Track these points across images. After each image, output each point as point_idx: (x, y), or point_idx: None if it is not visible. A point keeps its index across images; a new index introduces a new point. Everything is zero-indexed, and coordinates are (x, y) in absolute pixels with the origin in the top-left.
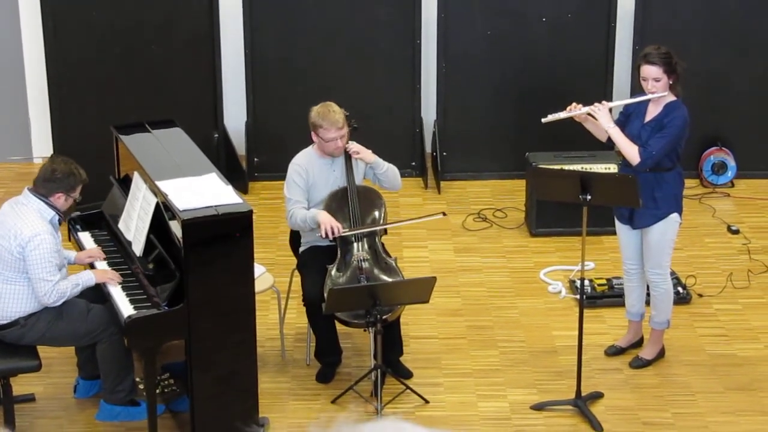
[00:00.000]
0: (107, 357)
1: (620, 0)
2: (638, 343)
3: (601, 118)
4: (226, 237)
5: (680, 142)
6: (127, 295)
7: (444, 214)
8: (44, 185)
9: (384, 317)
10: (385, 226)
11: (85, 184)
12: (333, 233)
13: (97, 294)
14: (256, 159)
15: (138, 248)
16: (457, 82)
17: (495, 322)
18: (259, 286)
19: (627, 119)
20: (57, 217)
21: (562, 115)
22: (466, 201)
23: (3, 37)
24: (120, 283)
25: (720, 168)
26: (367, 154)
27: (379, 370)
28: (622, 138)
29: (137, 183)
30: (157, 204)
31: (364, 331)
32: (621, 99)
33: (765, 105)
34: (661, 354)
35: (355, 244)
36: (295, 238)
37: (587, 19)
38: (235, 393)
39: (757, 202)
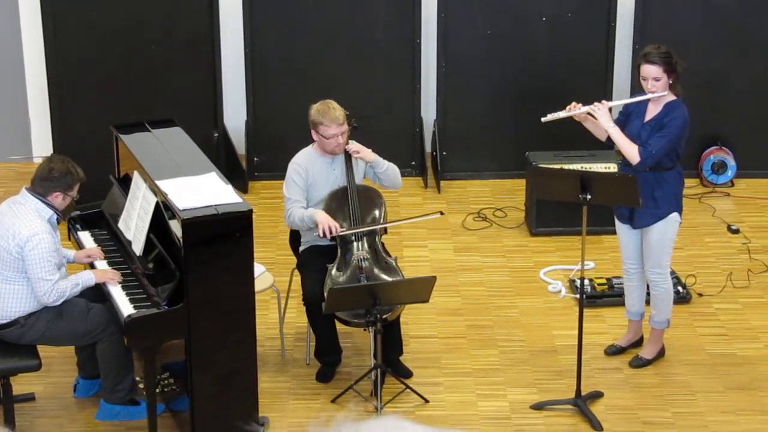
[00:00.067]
0: (107, 356)
1: None
2: (638, 343)
3: (600, 118)
4: (226, 236)
5: (680, 142)
6: (127, 295)
7: (441, 213)
8: (42, 184)
9: (384, 317)
10: (381, 226)
11: (82, 183)
12: (330, 232)
13: (97, 293)
14: (256, 158)
15: (138, 248)
16: (457, 82)
17: (495, 322)
18: (259, 285)
19: (627, 119)
20: (55, 216)
21: (561, 114)
22: (466, 200)
23: (3, 37)
24: (120, 283)
25: (720, 167)
26: (367, 153)
27: (378, 370)
28: (622, 137)
29: (137, 182)
30: (157, 203)
31: (364, 330)
32: (621, 98)
33: (765, 104)
34: (661, 353)
35: (355, 244)
36: (295, 237)
37: (587, 18)
38: (234, 392)
39: (757, 202)
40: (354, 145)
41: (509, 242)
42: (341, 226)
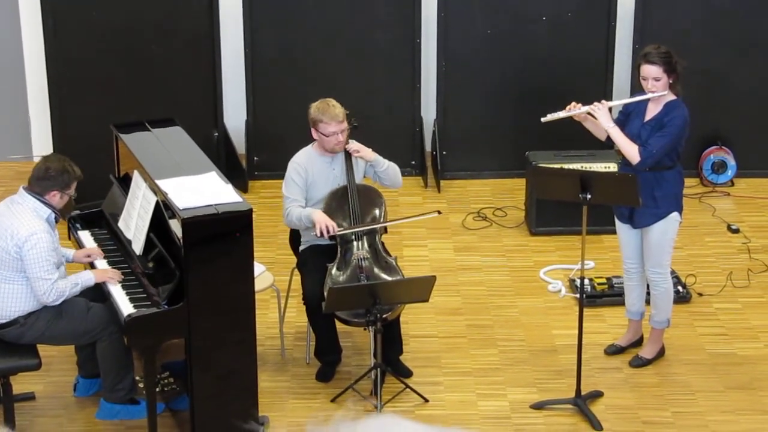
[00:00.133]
0: (107, 355)
1: None
2: (638, 342)
3: (600, 118)
4: (226, 236)
5: (680, 141)
6: (127, 294)
7: (439, 212)
8: (39, 184)
9: (384, 316)
10: (377, 225)
11: (79, 181)
12: (328, 232)
13: (97, 293)
14: (256, 158)
15: (138, 247)
16: (457, 81)
17: (495, 321)
18: (258, 284)
19: (627, 118)
20: (53, 215)
21: (561, 114)
22: (466, 200)
23: (3, 36)
24: (120, 282)
25: (720, 167)
26: (368, 152)
27: (378, 369)
28: (622, 137)
29: (137, 182)
30: (157, 203)
31: (364, 329)
32: (621, 98)
33: (765, 104)
34: (661, 353)
35: (355, 243)
36: (295, 237)
37: (587, 18)
38: (234, 392)
39: (757, 201)
40: (354, 145)
41: (509, 242)
42: (340, 226)
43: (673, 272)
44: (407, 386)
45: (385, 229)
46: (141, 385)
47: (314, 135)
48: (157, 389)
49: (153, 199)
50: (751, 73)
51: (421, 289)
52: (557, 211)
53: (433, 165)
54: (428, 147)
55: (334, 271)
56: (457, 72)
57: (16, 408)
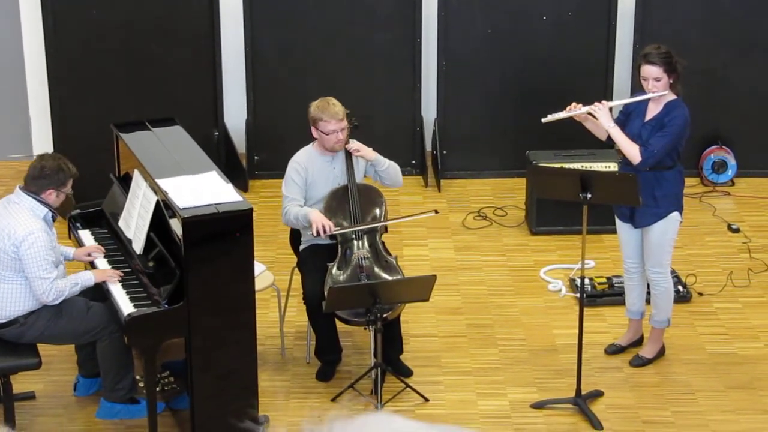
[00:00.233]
0: (107, 355)
1: None
2: (638, 342)
3: (601, 118)
4: (226, 235)
5: (681, 141)
6: (127, 293)
7: (436, 212)
8: (34, 183)
9: (384, 315)
10: (375, 225)
11: (75, 179)
12: (324, 231)
13: (97, 292)
14: (256, 157)
15: (138, 246)
16: (458, 81)
17: (495, 321)
18: (259, 284)
19: (627, 118)
20: (50, 214)
21: (561, 114)
22: (467, 199)
23: (3, 36)
24: (120, 281)
25: (720, 166)
26: (368, 152)
27: (379, 369)
28: (623, 137)
29: (137, 181)
30: (158, 202)
31: (365, 329)
32: (621, 98)
33: (765, 104)
34: (661, 352)
35: (355, 243)
36: (295, 236)
37: (587, 17)
38: (234, 391)
39: (758, 201)
40: (354, 144)
41: (509, 241)
42: (341, 225)
43: (673, 272)
44: (407, 386)
45: (386, 229)
46: (141, 384)
47: (314, 134)
48: (158, 388)
49: (153, 199)
50: (751, 73)
51: (421, 288)
52: (557, 210)
53: (433, 164)
54: (428, 146)
55: (334, 270)
56: (458, 71)
57: (17, 407)
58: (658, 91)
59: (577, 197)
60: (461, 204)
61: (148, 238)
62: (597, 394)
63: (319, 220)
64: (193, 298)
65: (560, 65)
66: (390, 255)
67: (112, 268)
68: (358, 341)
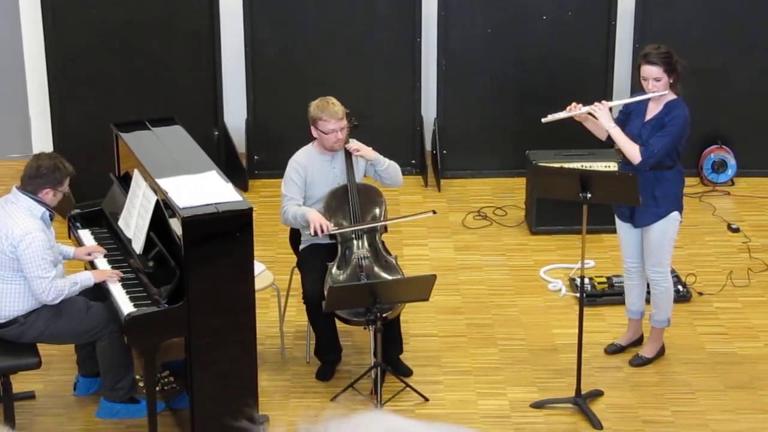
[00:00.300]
0: (107, 354)
1: None
2: (638, 342)
3: (601, 118)
4: (226, 235)
5: (681, 141)
6: (127, 293)
7: (434, 212)
8: (31, 182)
9: (384, 315)
10: (373, 225)
11: (72, 177)
12: (322, 231)
13: (97, 292)
14: (256, 156)
15: (138, 246)
16: (457, 80)
17: (495, 320)
18: (259, 283)
19: (627, 118)
20: (48, 213)
21: (562, 115)
22: (467, 199)
23: (3, 35)
24: (120, 281)
25: (720, 166)
26: (368, 151)
27: (378, 368)
28: (623, 137)
29: (137, 180)
30: (157, 201)
31: (364, 329)
32: (621, 98)
33: (765, 103)
34: (661, 352)
35: (355, 242)
36: (295, 235)
37: (587, 17)
38: (234, 390)
39: (757, 201)
40: (354, 144)
41: (509, 241)
42: (340, 225)
43: (673, 271)
44: (407, 385)
45: (385, 228)
46: (141, 384)
47: (314, 133)
48: (157, 388)
49: (153, 198)
50: (751, 73)
51: (421, 288)
52: (557, 210)
53: (433, 164)
54: (428, 146)
55: (334, 270)
56: (458, 71)
57: (16, 407)
58: (658, 91)
59: (577, 197)
60: (461, 203)
61: (148, 238)
62: (597, 394)
63: (316, 219)
64: (193, 297)
65: (560, 65)
66: (390, 254)
67: (112, 267)
68: (357, 341)
